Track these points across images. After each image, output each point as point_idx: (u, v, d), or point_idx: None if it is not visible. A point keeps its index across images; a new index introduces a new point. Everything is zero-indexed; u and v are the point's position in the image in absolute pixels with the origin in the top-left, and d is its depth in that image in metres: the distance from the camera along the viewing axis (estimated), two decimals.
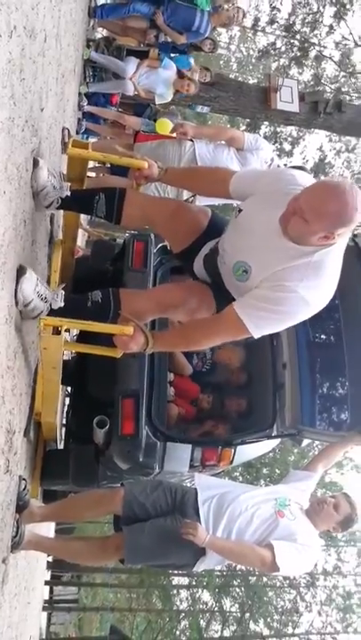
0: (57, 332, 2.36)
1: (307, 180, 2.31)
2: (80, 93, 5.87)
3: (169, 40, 6.52)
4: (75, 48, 4.62)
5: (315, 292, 2.20)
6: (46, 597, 18.33)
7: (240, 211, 2.44)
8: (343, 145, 16.74)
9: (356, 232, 3.76)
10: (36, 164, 2.52)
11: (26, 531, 2.99)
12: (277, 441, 4.72)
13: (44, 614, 17.49)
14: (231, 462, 4.10)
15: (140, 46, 6.90)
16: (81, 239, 8.88)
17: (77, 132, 6.08)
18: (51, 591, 21.00)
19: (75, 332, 4.22)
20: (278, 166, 5.25)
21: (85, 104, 6.06)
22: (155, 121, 6.24)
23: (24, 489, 2.92)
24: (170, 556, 3.09)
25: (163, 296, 2.84)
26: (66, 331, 2.61)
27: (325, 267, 2.19)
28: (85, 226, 8.84)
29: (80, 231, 7.80)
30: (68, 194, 2.69)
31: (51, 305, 2.49)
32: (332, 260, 2.21)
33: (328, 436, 4.01)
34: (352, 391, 4.00)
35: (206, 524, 3.00)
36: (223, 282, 2.53)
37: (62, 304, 2.51)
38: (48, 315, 2.45)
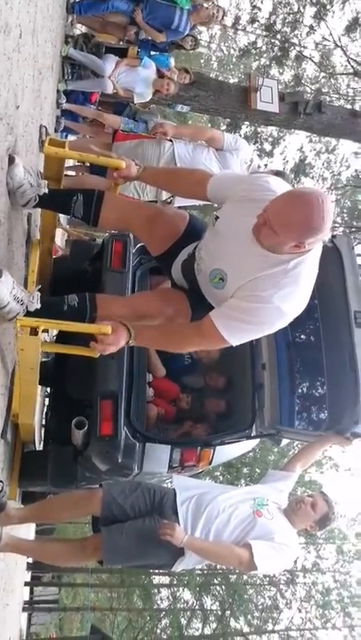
0: (34, 332, 2.33)
1: (281, 187, 2.29)
2: (58, 91, 5.82)
3: (149, 37, 6.49)
4: (52, 44, 4.58)
5: (290, 301, 2.21)
6: (26, 598, 18.24)
7: (217, 218, 2.44)
8: (323, 146, 16.85)
9: (334, 233, 3.78)
10: (11, 161, 2.49)
11: (3, 533, 2.98)
12: (257, 441, 4.73)
13: (25, 615, 17.41)
14: (210, 463, 4.09)
15: (120, 43, 6.86)
16: (60, 239, 8.83)
17: (56, 131, 6.03)
18: (31, 592, 20.92)
19: (54, 332, 4.19)
20: (258, 166, 5.26)
21: (64, 102, 6.01)
22: (134, 119, 6.23)
23: (1, 491, 2.90)
24: (148, 557, 3.08)
25: (139, 305, 2.84)
26: (44, 331, 2.58)
27: (300, 275, 2.19)
28: (65, 225, 8.79)
29: (59, 231, 7.76)
30: (46, 191, 2.67)
31: (27, 307, 2.46)
32: (307, 267, 2.21)
33: (307, 435, 4.02)
34: (330, 391, 4.02)
35: (185, 524, 2.99)
36: (200, 289, 2.53)
37: (39, 306, 2.48)
38: (25, 316, 2.43)
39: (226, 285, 2.32)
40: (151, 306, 2.75)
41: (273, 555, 2.99)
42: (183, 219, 2.77)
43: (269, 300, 2.17)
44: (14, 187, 2.54)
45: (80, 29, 7.41)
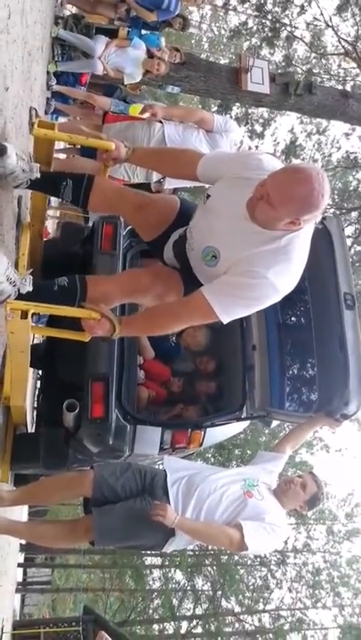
0: (25, 316, 2.34)
1: (274, 164, 2.30)
2: (49, 72, 5.77)
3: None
4: (42, 25, 4.53)
5: (283, 277, 2.21)
6: (20, 579, 18.40)
7: (208, 196, 2.43)
8: (314, 127, 16.74)
9: (324, 214, 3.78)
10: (3, 151, 2.48)
11: None
12: (248, 422, 4.76)
13: (18, 596, 17.56)
14: (201, 444, 4.12)
15: (111, 24, 6.80)
16: (51, 222, 8.79)
17: (46, 113, 5.99)
18: (24, 573, 21.10)
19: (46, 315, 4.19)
20: (249, 148, 5.25)
21: (54, 83, 5.96)
22: (125, 101, 6.18)
23: None
24: (139, 538, 3.11)
25: (129, 281, 2.83)
26: (35, 314, 2.59)
27: (293, 251, 2.20)
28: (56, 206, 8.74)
29: (50, 213, 7.72)
30: (38, 176, 2.66)
31: (19, 289, 2.46)
32: (300, 244, 2.22)
33: (297, 417, 4.05)
34: (320, 373, 4.04)
35: (175, 505, 3.02)
36: (192, 268, 2.53)
37: (30, 288, 2.48)
38: (16, 299, 2.43)
39: (219, 262, 2.32)
40: (142, 281, 2.73)
41: (263, 535, 3.03)
42: (175, 204, 2.76)
43: (264, 274, 2.17)
44: (6, 173, 2.54)
45: (70, 10, 7.34)
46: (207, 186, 2.56)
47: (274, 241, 2.18)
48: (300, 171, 2.08)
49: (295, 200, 2.05)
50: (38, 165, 2.69)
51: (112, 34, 6.30)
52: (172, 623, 19.31)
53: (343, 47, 13.44)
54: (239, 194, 2.22)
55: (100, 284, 2.72)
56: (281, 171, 2.14)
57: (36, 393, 5.51)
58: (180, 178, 3.02)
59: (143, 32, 6.53)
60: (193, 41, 22.69)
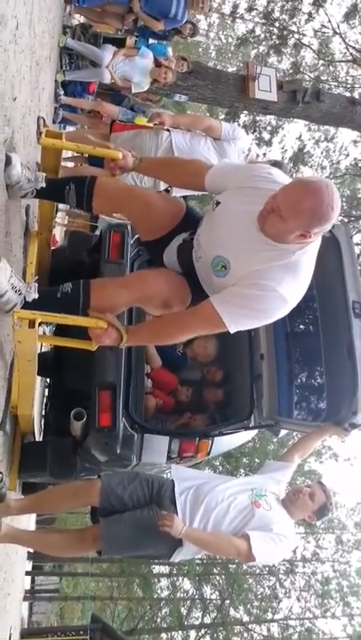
0: (32, 325, 2.33)
1: (283, 178, 2.32)
2: (57, 81, 5.80)
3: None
4: (50, 35, 4.56)
5: (293, 290, 2.22)
6: (28, 587, 18.36)
7: (218, 203, 2.42)
8: (322, 134, 16.75)
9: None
10: (8, 161, 2.49)
11: (2, 524, 2.99)
12: (256, 431, 4.74)
13: (26, 604, 17.53)
14: (208, 454, 4.10)
15: (118, 33, 6.84)
16: (60, 230, 8.80)
17: (54, 122, 6.01)
18: (32, 581, 21.06)
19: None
20: (257, 155, 5.24)
21: (62, 93, 5.99)
22: (132, 110, 6.21)
23: (0, 481, 2.91)
24: (147, 547, 3.10)
25: (137, 283, 2.72)
26: (43, 323, 2.58)
27: (303, 264, 2.21)
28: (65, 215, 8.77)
29: (59, 221, 7.74)
30: (43, 185, 2.66)
31: (25, 298, 2.46)
32: (308, 258, 2.23)
33: (305, 426, 4.03)
34: (328, 382, 4.02)
35: (183, 515, 3.00)
36: (197, 276, 2.52)
37: (36, 296, 2.48)
38: (22, 307, 2.42)
39: (228, 273, 2.30)
40: (151, 284, 2.63)
41: (271, 546, 3.01)
42: (181, 206, 2.73)
43: (274, 288, 2.17)
44: (12, 183, 2.55)
45: (78, 20, 7.38)
46: (214, 195, 2.55)
47: (286, 256, 2.19)
48: (310, 183, 2.08)
49: (305, 213, 2.05)
50: (44, 175, 2.69)
51: (120, 43, 6.34)
52: (180, 632, 19.23)
53: (351, 54, 13.47)
54: (249, 204, 2.23)
55: (106, 287, 2.66)
56: (291, 184, 2.15)
57: (44, 401, 5.50)
58: (188, 188, 3.01)
59: (151, 41, 6.56)
60: (200, 49, 22.78)
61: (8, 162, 2.48)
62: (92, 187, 2.71)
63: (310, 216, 2.05)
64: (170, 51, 6.62)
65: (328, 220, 2.07)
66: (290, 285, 2.19)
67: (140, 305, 2.90)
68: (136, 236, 3.92)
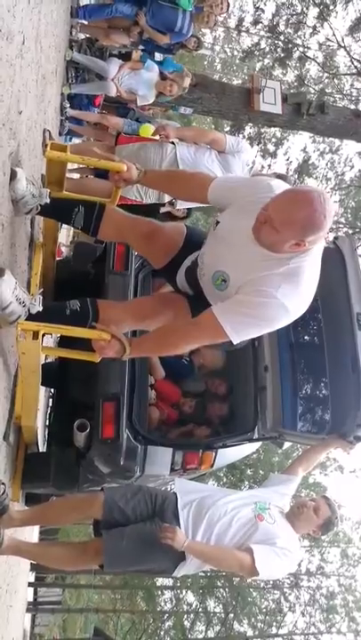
0: (36, 336, 2.34)
1: (282, 189, 2.30)
2: (63, 94, 5.84)
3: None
4: (56, 49, 4.59)
5: (293, 298, 2.21)
6: (30, 599, 18.25)
7: (218, 223, 2.45)
8: (327, 146, 16.81)
9: (336, 234, 3.77)
10: (13, 176, 2.51)
11: (5, 536, 2.98)
12: (260, 443, 4.72)
13: (28, 616, 17.41)
14: (212, 465, 4.09)
15: (124, 47, 6.89)
16: (65, 241, 8.84)
17: (60, 134, 6.04)
18: (35, 593, 20.92)
19: (57, 335, 4.20)
20: (262, 167, 5.26)
21: (68, 106, 6.03)
22: (138, 121, 6.23)
23: (3, 493, 2.90)
24: (149, 562, 3.07)
25: (138, 309, 2.91)
26: (47, 334, 2.59)
27: (303, 273, 2.20)
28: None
29: (64, 232, 7.77)
30: (48, 201, 2.69)
31: (29, 309, 2.47)
32: (309, 266, 2.22)
33: (309, 438, 4.02)
34: (333, 394, 4.01)
35: (186, 528, 2.98)
36: (204, 293, 2.54)
37: (40, 308, 2.49)
38: (26, 319, 2.43)
39: (228, 286, 2.33)
40: (150, 309, 2.80)
41: (275, 560, 2.98)
42: (181, 233, 2.81)
43: (273, 294, 2.17)
44: (17, 198, 2.57)
45: (84, 34, 7.44)
46: (218, 213, 2.57)
47: (282, 264, 2.19)
48: (301, 193, 2.09)
49: (297, 222, 2.05)
50: (48, 191, 2.71)
51: (125, 57, 6.38)
52: None
53: (356, 67, 13.52)
54: (247, 219, 2.23)
55: (110, 309, 2.77)
56: (282, 194, 2.15)
57: (48, 412, 5.50)
58: (191, 201, 3.04)
59: (158, 55, 6.61)
60: (206, 62, 22.92)
61: (13, 176, 2.50)
62: (102, 213, 2.80)
63: (303, 226, 2.06)
64: (184, 67, 6.66)
65: (321, 228, 2.07)
66: (289, 292, 2.19)
67: (144, 327, 2.98)
68: None
